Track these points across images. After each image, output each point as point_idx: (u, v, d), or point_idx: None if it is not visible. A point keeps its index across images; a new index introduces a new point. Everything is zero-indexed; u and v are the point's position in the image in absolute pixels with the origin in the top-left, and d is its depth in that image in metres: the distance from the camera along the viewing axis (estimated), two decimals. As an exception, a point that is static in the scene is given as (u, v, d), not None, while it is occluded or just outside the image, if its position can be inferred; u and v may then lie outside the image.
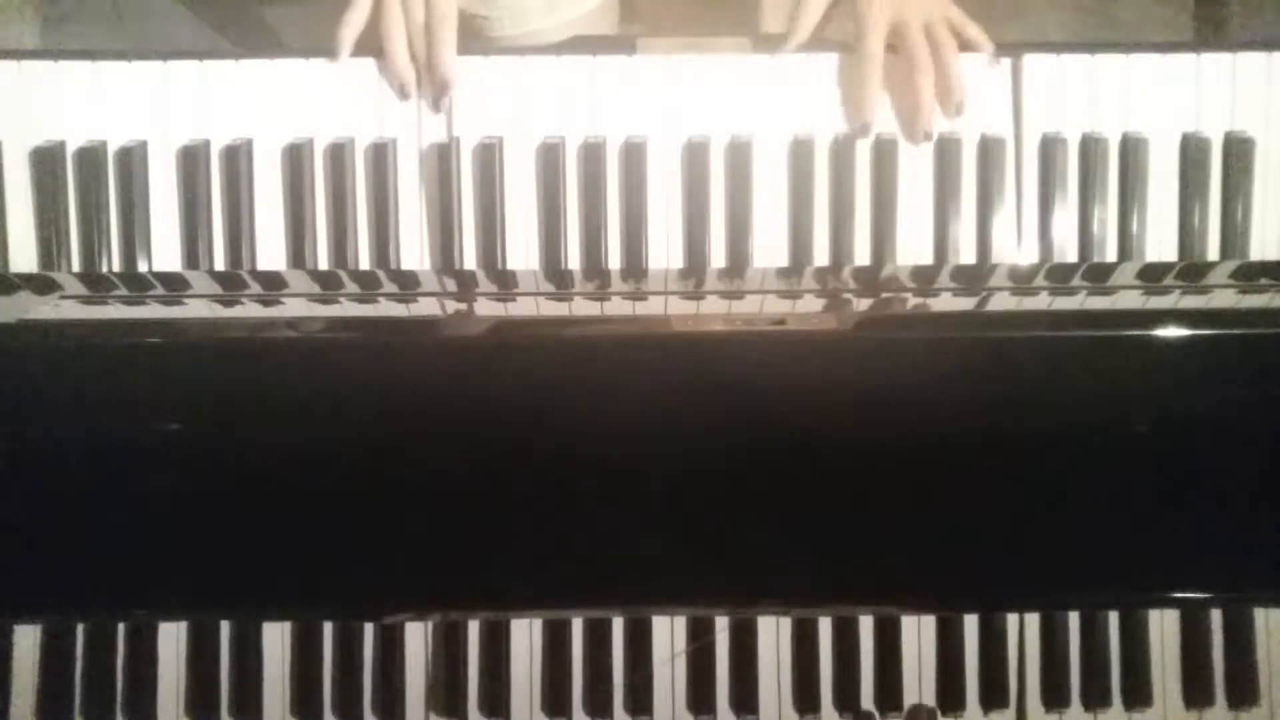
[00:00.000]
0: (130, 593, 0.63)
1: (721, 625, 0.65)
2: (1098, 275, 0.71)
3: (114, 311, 0.67)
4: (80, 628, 0.65)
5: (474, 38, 0.89)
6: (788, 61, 0.74)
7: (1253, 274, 0.70)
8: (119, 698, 0.64)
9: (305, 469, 0.61)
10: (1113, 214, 0.74)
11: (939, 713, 0.65)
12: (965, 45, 0.74)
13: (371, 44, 0.74)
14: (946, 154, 0.74)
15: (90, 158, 0.73)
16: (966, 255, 0.74)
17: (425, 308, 0.69)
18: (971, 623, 0.65)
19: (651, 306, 0.67)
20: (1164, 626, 0.65)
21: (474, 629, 0.65)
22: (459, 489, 0.62)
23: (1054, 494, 0.62)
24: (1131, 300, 0.66)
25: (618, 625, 0.65)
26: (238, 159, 0.74)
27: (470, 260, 0.74)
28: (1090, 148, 0.73)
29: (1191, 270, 0.72)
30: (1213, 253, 0.74)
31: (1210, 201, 0.74)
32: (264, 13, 1.41)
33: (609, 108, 0.74)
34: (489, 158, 0.74)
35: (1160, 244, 0.74)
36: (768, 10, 0.93)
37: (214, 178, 0.74)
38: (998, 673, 0.65)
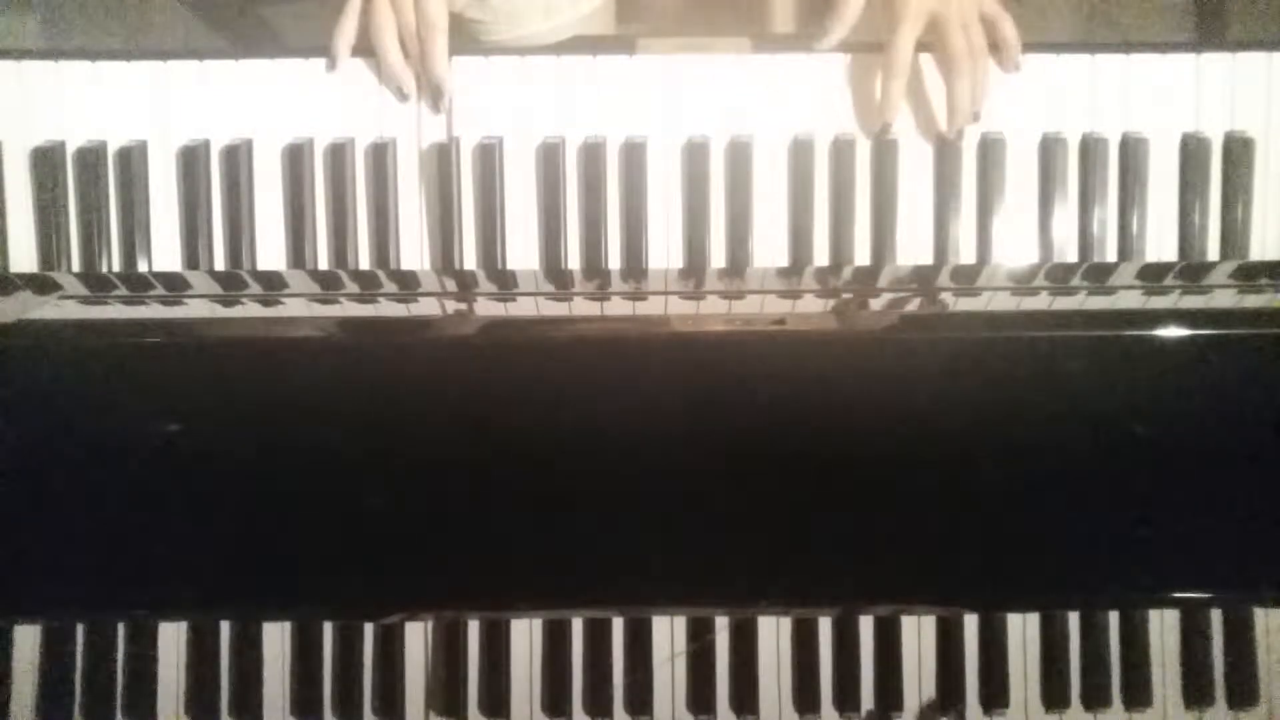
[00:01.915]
0: (130, 593, 0.63)
1: (721, 625, 0.65)
2: (1098, 275, 0.71)
3: (114, 311, 0.67)
4: (80, 628, 0.65)
5: (469, 41, 0.88)
6: (787, 61, 0.74)
7: (1253, 274, 0.70)
8: (119, 698, 0.64)
9: (305, 469, 0.61)
10: (1113, 214, 0.74)
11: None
12: (996, 43, 0.73)
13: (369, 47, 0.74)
14: (946, 154, 0.74)
15: (90, 158, 0.73)
16: (966, 255, 0.74)
17: (425, 308, 0.69)
18: (971, 623, 0.65)
19: (651, 306, 0.67)
20: (1164, 626, 0.65)
21: (474, 629, 0.65)
22: (459, 489, 0.62)
23: (1054, 494, 0.62)
24: (1131, 300, 0.66)
25: (618, 625, 0.65)
26: (238, 159, 0.74)
27: (470, 260, 0.74)
28: (1090, 148, 0.73)
29: (1191, 270, 0.72)
30: (1213, 253, 0.74)
31: (1210, 201, 0.74)
32: (264, 13, 1.41)
33: (609, 108, 0.74)
34: (489, 158, 0.74)
35: (1160, 244, 0.74)
36: (778, 10, 0.93)
37: (214, 178, 0.74)
38: (998, 673, 0.65)
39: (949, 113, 0.73)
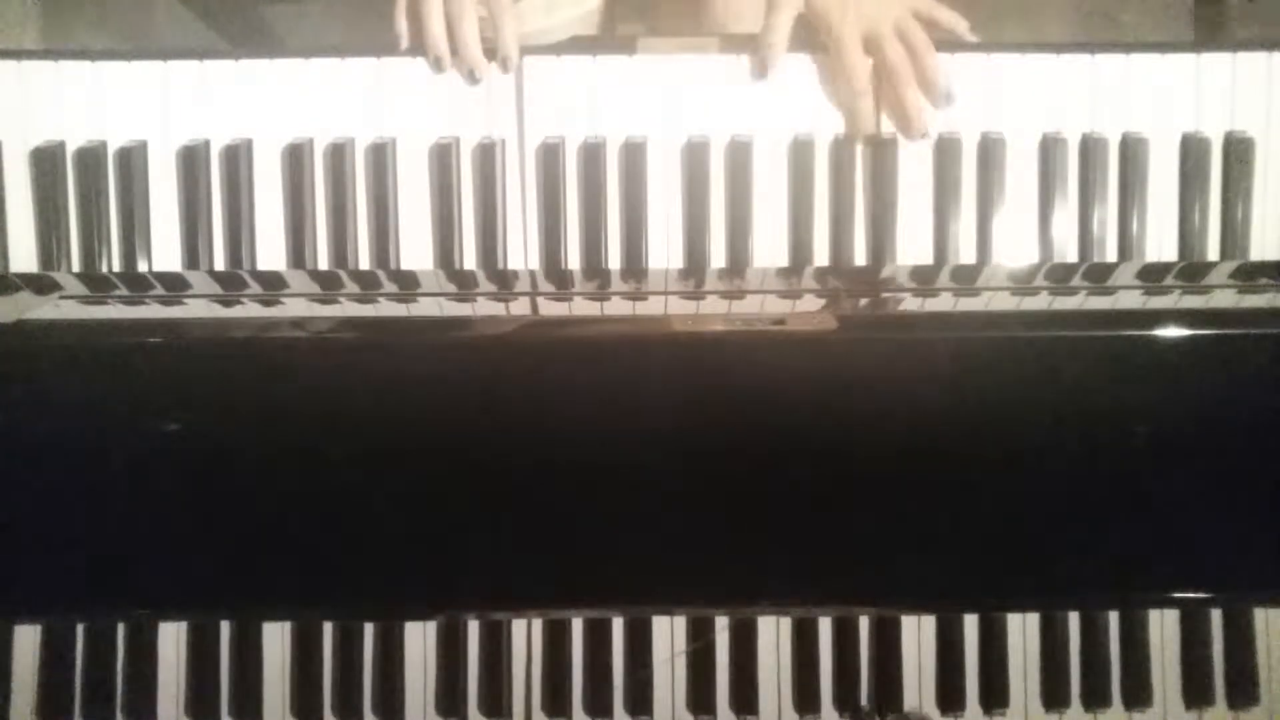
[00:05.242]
0: (130, 593, 0.63)
1: (721, 625, 0.65)
2: (1098, 275, 0.71)
3: (114, 311, 0.67)
4: (80, 628, 0.65)
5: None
6: (788, 61, 0.74)
7: (1253, 274, 0.70)
8: (119, 698, 0.64)
9: (305, 469, 0.61)
10: (1113, 214, 0.74)
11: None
12: (941, 33, 0.74)
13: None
14: (946, 154, 0.74)
15: (90, 158, 0.73)
16: (966, 255, 0.74)
17: (425, 308, 0.69)
18: (971, 623, 0.65)
19: (651, 306, 0.67)
20: (1164, 626, 0.65)
21: (474, 629, 0.65)
22: (459, 489, 0.62)
23: (1054, 494, 0.62)
24: (1131, 300, 0.66)
25: (618, 625, 0.65)
26: (238, 159, 0.74)
27: (470, 260, 0.74)
28: (1090, 148, 0.73)
29: (1191, 270, 0.72)
30: (1213, 253, 0.74)
31: (1210, 201, 0.74)
32: (264, 13, 1.41)
33: (609, 108, 0.74)
34: (489, 158, 0.74)
35: (1160, 244, 0.74)
36: (726, 12, 0.94)
37: (214, 178, 0.74)
38: (998, 673, 0.65)
39: (906, 120, 0.73)
